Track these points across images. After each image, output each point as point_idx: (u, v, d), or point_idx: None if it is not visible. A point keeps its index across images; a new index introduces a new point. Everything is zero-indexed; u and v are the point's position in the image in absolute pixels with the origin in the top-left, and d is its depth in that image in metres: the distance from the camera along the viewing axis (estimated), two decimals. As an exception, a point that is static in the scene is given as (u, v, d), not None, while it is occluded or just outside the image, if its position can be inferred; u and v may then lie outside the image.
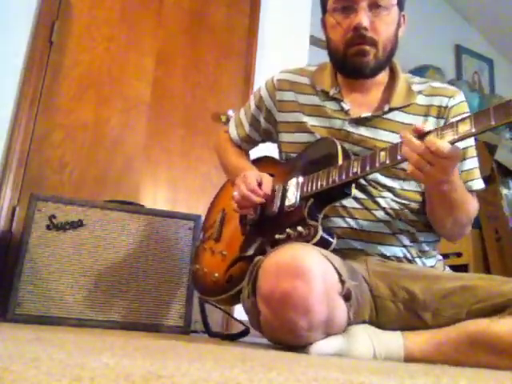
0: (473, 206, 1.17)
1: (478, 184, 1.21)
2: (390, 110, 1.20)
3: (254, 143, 1.50)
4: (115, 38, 2.33)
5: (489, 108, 0.90)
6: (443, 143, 0.92)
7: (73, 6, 2.25)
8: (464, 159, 1.20)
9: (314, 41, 2.84)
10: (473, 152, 1.22)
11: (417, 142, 0.95)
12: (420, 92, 1.24)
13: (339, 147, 1.15)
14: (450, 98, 1.22)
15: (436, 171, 0.95)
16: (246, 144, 1.49)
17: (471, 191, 1.19)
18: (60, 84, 2.18)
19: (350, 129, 1.21)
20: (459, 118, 0.98)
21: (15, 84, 2.06)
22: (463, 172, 1.19)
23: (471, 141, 1.22)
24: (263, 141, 1.48)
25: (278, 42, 2.67)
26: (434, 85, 1.26)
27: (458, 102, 1.23)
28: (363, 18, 1.14)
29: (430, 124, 1.19)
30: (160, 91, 2.38)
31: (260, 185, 1.22)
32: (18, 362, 0.45)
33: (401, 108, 1.21)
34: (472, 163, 1.21)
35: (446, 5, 4.05)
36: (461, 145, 1.18)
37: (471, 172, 1.21)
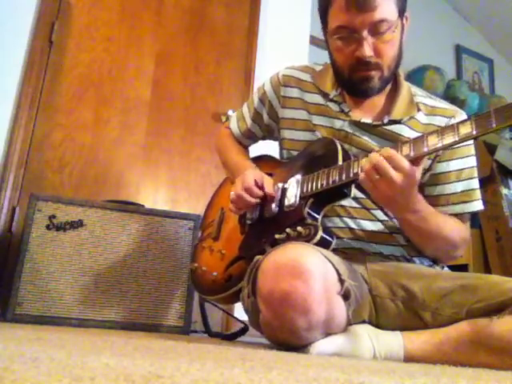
0: (457, 232, 1.16)
1: (478, 205, 1.20)
2: (390, 121, 1.20)
3: (255, 139, 1.49)
4: (115, 38, 2.33)
5: (490, 110, 0.90)
6: (401, 156, 0.97)
7: (73, 6, 2.25)
8: (465, 179, 1.19)
9: (314, 41, 2.84)
10: (473, 173, 1.21)
11: (376, 154, 0.98)
12: (421, 106, 1.22)
13: (339, 147, 1.15)
14: (450, 118, 1.21)
15: (383, 183, 0.97)
16: (246, 139, 1.48)
17: (469, 212, 1.19)
18: (60, 84, 2.18)
19: (350, 130, 1.22)
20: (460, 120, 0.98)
21: (15, 84, 2.07)
22: (463, 192, 1.19)
23: (473, 161, 1.21)
24: (264, 137, 1.47)
25: (278, 42, 2.67)
26: (434, 104, 1.25)
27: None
28: (366, 49, 1.10)
29: None
30: (160, 91, 2.38)
31: (260, 186, 1.22)
32: (18, 362, 0.45)
33: (401, 121, 1.21)
34: (473, 184, 1.20)
35: (446, 5, 4.05)
36: (462, 164, 1.19)
37: (471, 193, 1.19)
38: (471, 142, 1.20)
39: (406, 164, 0.96)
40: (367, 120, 1.21)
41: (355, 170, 1.06)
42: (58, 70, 2.18)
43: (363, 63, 1.13)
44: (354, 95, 1.24)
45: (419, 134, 1.17)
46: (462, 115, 1.23)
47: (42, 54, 2.14)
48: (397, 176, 0.96)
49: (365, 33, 1.10)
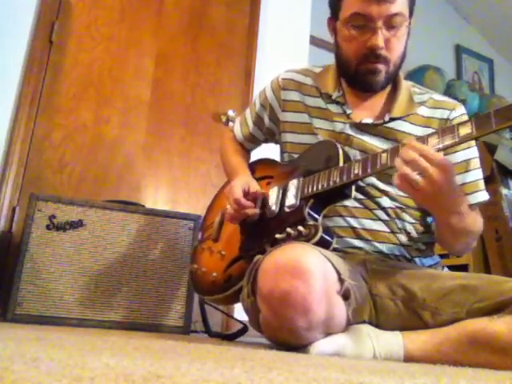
0: (479, 224, 1.17)
1: (483, 196, 1.21)
2: (391, 119, 1.21)
3: (257, 142, 1.50)
4: (115, 38, 2.32)
5: (490, 111, 0.90)
6: (437, 153, 0.93)
7: (73, 5, 2.25)
8: (468, 171, 1.20)
9: (314, 41, 2.84)
10: (476, 164, 1.22)
11: (414, 147, 0.94)
12: (422, 103, 1.24)
13: (340, 149, 1.15)
14: (451, 110, 1.23)
15: (425, 182, 0.92)
16: (248, 143, 1.50)
17: (475, 203, 1.19)
18: (60, 84, 2.17)
19: (351, 132, 1.22)
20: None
21: (15, 84, 2.06)
22: (468, 184, 1.19)
23: (475, 152, 1.22)
24: (266, 140, 1.49)
25: (278, 42, 2.67)
26: (436, 97, 1.27)
27: (460, 114, 1.24)
28: (380, 39, 1.13)
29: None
30: (160, 91, 2.38)
31: (248, 193, 1.23)
32: (19, 362, 0.45)
33: (402, 117, 1.22)
34: (477, 175, 1.21)
35: (446, 5, 4.05)
36: (465, 156, 1.20)
37: (476, 184, 1.20)
38: None
39: (441, 158, 0.92)
40: (368, 120, 1.22)
41: (356, 171, 1.06)
42: (58, 70, 2.18)
43: (374, 55, 1.15)
44: (358, 89, 1.25)
45: (419, 129, 1.19)
46: (461, 108, 1.26)
47: (42, 54, 2.14)
48: (435, 172, 0.92)
49: (380, 23, 1.12)
